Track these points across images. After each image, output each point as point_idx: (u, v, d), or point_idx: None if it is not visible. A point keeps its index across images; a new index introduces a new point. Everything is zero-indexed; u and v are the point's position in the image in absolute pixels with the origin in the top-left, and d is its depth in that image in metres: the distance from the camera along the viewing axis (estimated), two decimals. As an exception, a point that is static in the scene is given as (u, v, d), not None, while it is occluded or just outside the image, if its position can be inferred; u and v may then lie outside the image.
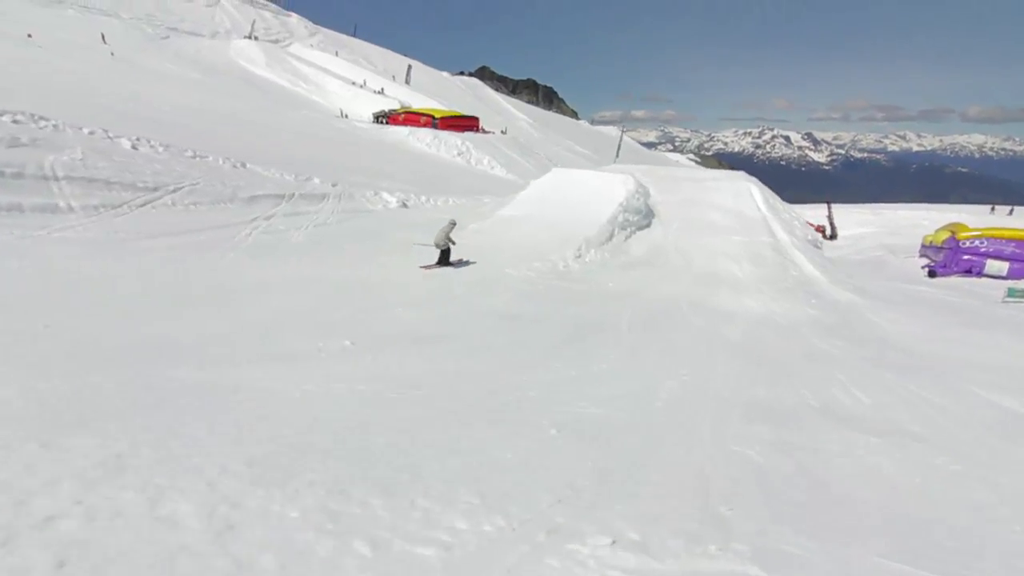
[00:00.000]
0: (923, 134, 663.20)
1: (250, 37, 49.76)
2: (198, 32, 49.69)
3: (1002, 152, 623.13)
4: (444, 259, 10.91)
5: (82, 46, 28.07)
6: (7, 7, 32.93)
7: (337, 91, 41.71)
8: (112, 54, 28.61)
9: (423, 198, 15.89)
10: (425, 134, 29.92)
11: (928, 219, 34.42)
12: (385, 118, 34.85)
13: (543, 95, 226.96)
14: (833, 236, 35.75)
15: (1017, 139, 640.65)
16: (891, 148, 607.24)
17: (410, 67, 52.25)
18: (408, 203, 15.05)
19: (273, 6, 62.01)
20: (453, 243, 10.86)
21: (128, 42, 38.46)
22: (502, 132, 41.35)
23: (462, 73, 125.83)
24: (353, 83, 43.36)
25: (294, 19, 63.14)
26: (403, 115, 36.21)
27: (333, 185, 14.01)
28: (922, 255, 21.15)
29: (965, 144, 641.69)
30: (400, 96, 43.48)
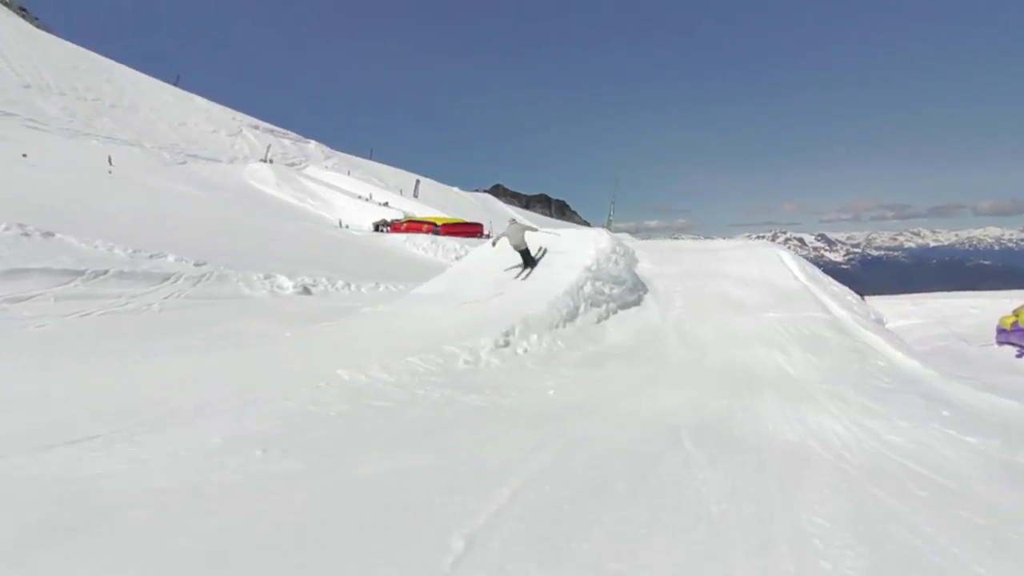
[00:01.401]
0: (937, 230, 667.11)
1: (265, 160, 51.48)
2: (216, 158, 51.68)
3: (1022, 243, 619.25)
4: (528, 261, 11.06)
5: (80, 167, 28.22)
6: (27, 136, 34.13)
7: (343, 205, 41.76)
8: (110, 172, 28.70)
9: (341, 283, 13.00)
10: (423, 239, 28.60)
11: (976, 307, 30.99)
12: (386, 227, 34.09)
13: (556, 208, 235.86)
14: (875, 330, 32.36)
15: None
16: (907, 245, 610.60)
17: (418, 181, 53.35)
18: (314, 288, 12.12)
19: (293, 134, 65.50)
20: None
21: (142, 166, 39.51)
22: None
23: (477, 190, 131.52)
24: (359, 197, 43.60)
25: (312, 145, 66.28)
26: (405, 223, 35.50)
27: (197, 264, 11.09)
28: (1003, 341, 17.92)
29: (982, 237, 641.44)
30: (406, 208, 43.44)
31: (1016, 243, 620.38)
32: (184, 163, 47.01)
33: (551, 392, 5.88)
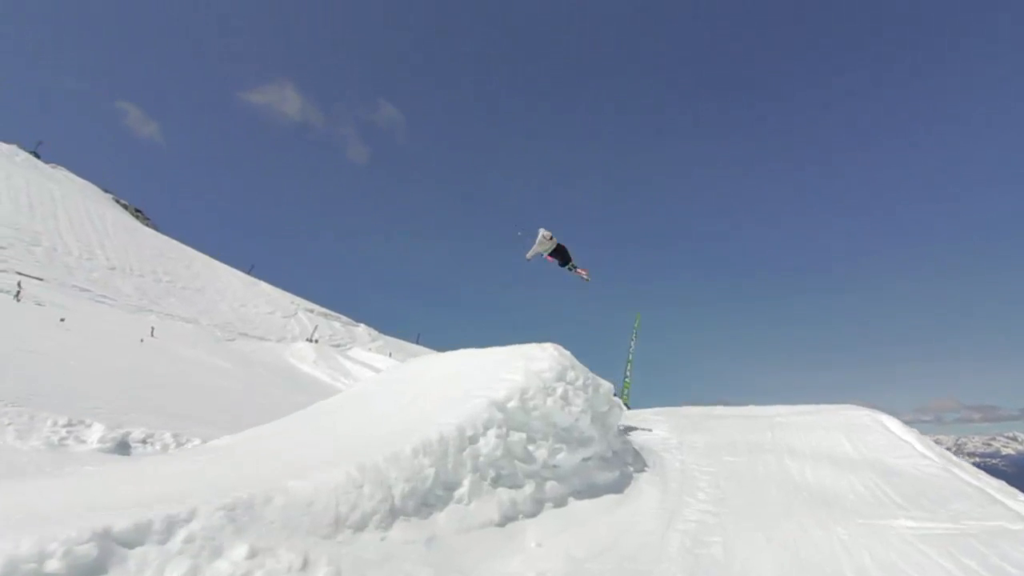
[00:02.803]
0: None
1: (311, 340, 52.24)
2: (266, 337, 52.94)
3: None
4: (563, 256, 11.07)
5: (117, 335, 28.47)
6: (90, 309, 35.78)
7: (376, 384, 40.34)
8: (142, 341, 28.72)
9: (188, 438, 10.01)
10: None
11: None
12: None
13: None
14: None
15: None
16: (1005, 451, 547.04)
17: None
18: (140, 443, 9.02)
19: (344, 318, 67.74)
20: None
21: (188, 340, 40.28)
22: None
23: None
24: (394, 376, 42.21)
25: (361, 328, 67.92)
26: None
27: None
28: None
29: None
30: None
31: None
32: (233, 340, 48.23)
33: None
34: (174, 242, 74.51)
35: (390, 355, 58.74)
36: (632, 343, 18.36)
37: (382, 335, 70.51)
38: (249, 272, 73.89)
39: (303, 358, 44.40)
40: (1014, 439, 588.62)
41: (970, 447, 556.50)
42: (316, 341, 51.79)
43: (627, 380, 18.44)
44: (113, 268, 53.88)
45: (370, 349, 61.09)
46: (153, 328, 34.66)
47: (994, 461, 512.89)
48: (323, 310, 67.75)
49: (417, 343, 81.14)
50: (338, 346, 57.97)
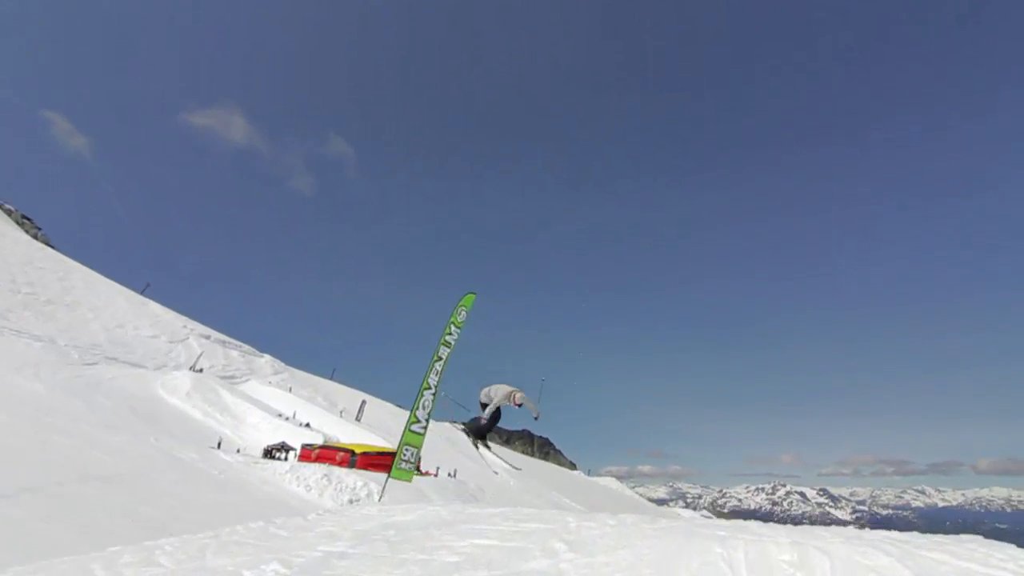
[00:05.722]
0: (941, 488, 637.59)
1: (193, 369, 45.46)
2: (142, 364, 45.69)
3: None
4: (493, 421, 8.48)
5: None
6: None
7: (256, 423, 34.52)
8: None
9: None
10: (315, 471, 20.99)
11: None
12: (283, 452, 26.47)
13: (538, 446, 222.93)
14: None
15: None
16: (915, 504, 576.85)
17: (364, 403, 46.68)
18: None
19: (246, 347, 60.83)
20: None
21: (30, 361, 33.36)
22: (449, 475, 32.20)
23: (454, 423, 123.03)
24: (279, 415, 36.46)
25: (265, 359, 61.14)
26: (317, 451, 27.97)
27: None
28: None
29: (991, 498, 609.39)
30: (335, 431, 36.06)
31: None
32: (95, 364, 40.94)
33: None
34: (53, 252, 65.65)
35: (290, 390, 52.35)
36: (450, 337, 10.17)
37: (288, 367, 63.59)
38: (141, 292, 65.83)
39: (174, 390, 37.82)
40: (923, 492, 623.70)
41: (884, 499, 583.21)
42: (200, 371, 45.04)
43: (421, 411, 9.92)
44: (-51, 272, 45.69)
45: (270, 383, 54.30)
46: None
47: (905, 513, 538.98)
48: (222, 337, 60.47)
49: (331, 378, 74.42)
50: (230, 378, 51.00)
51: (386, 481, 9.81)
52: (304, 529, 5.67)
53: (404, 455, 9.75)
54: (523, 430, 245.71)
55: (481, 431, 8.99)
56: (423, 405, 10.39)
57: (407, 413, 50.33)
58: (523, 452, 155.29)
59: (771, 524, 5.20)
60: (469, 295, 11.25)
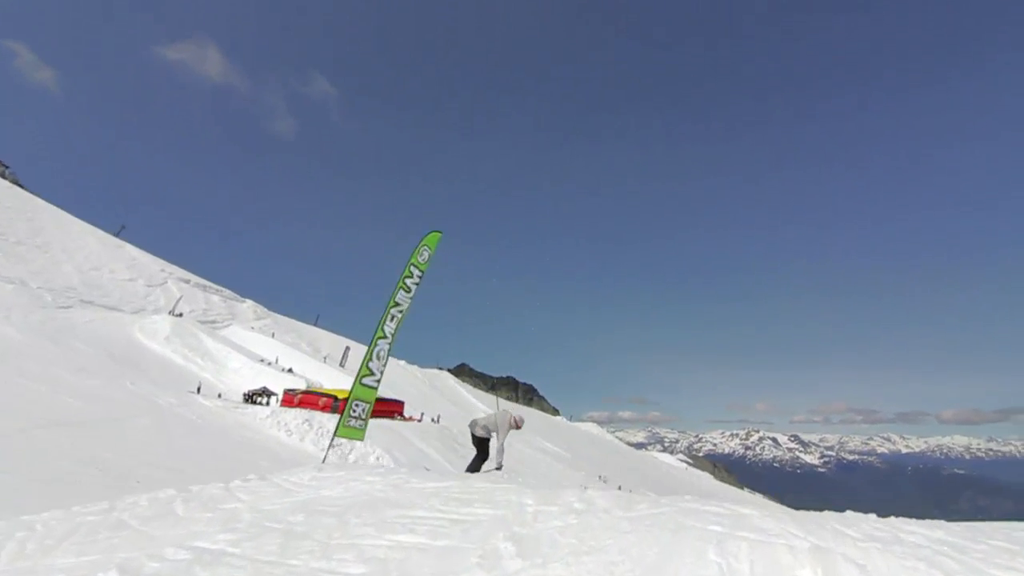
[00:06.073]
0: (906, 436, 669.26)
1: (172, 313, 44.63)
2: (119, 307, 44.73)
3: (990, 452, 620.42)
4: (483, 452, 7.73)
5: None
6: None
7: (238, 368, 34.17)
8: None
9: None
10: (296, 417, 20.84)
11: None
12: (266, 397, 26.29)
13: (523, 392, 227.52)
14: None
15: (1000, 440, 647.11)
16: (880, 450, 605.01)
17: (347, 348, 46.53)
18: None
19: (227, 292, 59.84)
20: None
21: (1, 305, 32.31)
22: (432, 421, 32.45)
23: (440, 368, 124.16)
24: (261, 361, 36.13)
25: (247, 304, 60.31)
26: (300, 396, 27.84)
27: None
28: None
29: (952, 446, 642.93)
30: (318, 377, 35.89)
31: (984, 452, 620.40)
32: (69, 307, 39.96)
33: None
34: (22, 192, 63.01)
35: (273, 336, 51.94)
36: (410, 280, 9.01)
37: (271, 313, 62.94)
38: (117, 234, 63.90)
39: (153, 334, 37.16)
40: (888, 440, 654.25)
41: (851, 446, 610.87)
42: (180, 315, 44.28)
43: (369, 372, 8.67)
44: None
45: (253, 328, 53.77)
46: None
47: (871, 459, 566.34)
48: (202, 281, 59.27)
49: (316, 324, 74.08)
50: (211, 323, 50.32)
51: (332, 440, 8.61)
52: (206, 508, 4.68)
53: (353, 410, 8.44)
54: (508, 377, 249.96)
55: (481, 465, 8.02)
56: (377, 355, 8.95)
57: (398, 361, 50.65)
58: (507, 398, 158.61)
59: (780, 514, 3.90)
60: (433, 233, 9.47)
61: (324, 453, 7.81)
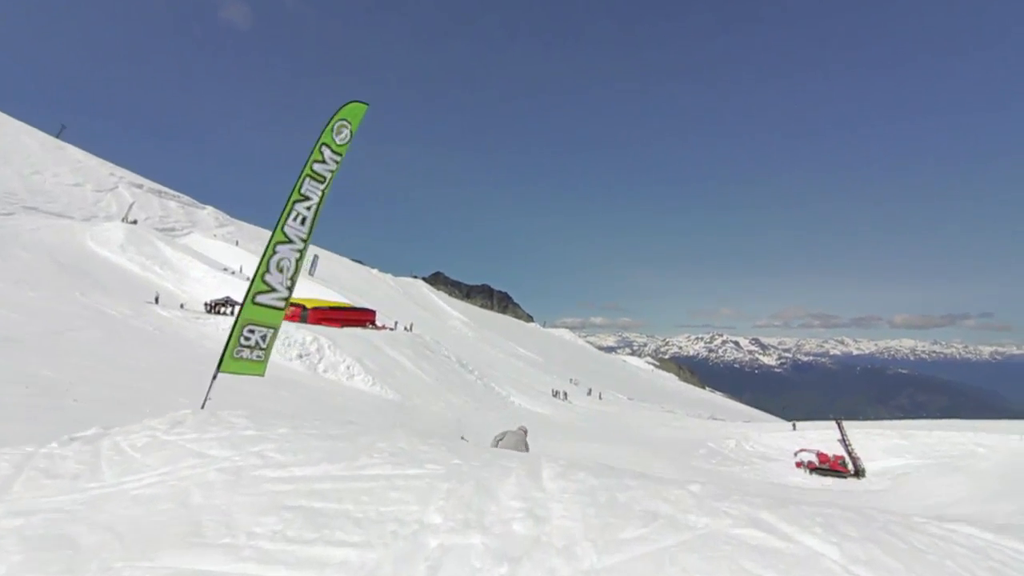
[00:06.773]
0: (858, 339, 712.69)
1: (126, 220, 42.33)
2: (67, 214, 42.14)
3: (933, 354, 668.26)
4: None
5: None
6: None
7: (200, 277, 33.01)
8: None
9: None
10: (260, 327, 20.22)
11: (984, 444, 24.91)
12: (230, 307, 25.50)
13: (498, 300, 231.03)
14: (859, 472, 25.33)
15: (943, 343, 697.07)
16: (833, 352, 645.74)
17: (316, 257, 45.35)
18: None
19: (185, 197, 56.81)
20: None
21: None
22: (406, 328, 32.31)
23: (415, 276, 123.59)
24: (224, 269, 34.88)
25: (207, 211, 57.65)
26: (265, 305, 27.07)
27: None
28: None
29: (898, 348, 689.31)
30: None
31: (928, 354, 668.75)
32: (11, 214, 37.40)
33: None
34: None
35: (237, 244, 50.04)
36: (320, 166, 6.47)
37: (234, 220, 60.28)
38: (58, 135, 58.94)
39: (106, 242, 35.26)
40: (841, 343, 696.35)
41: (807, 348, 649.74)
42: (134, 222, 41.97)
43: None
44: None
45: (215, 236, 51.64)
46: None
47: (823, 360, 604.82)
48: (156, 186, 55.85)
49: (284, 233, 71.71)
50: (169, 230, 48.03)
51: (212, 380, 5.96)
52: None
53: (246, 338, 5.99)
54: (483, 285, 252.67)
55: None
56: (280, 267, 6.17)
57: (363, 268, 50.05)
58: (483, 306, 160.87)
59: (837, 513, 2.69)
60: (353, 103, 6.73)
61: (205, 395, 5.28)
